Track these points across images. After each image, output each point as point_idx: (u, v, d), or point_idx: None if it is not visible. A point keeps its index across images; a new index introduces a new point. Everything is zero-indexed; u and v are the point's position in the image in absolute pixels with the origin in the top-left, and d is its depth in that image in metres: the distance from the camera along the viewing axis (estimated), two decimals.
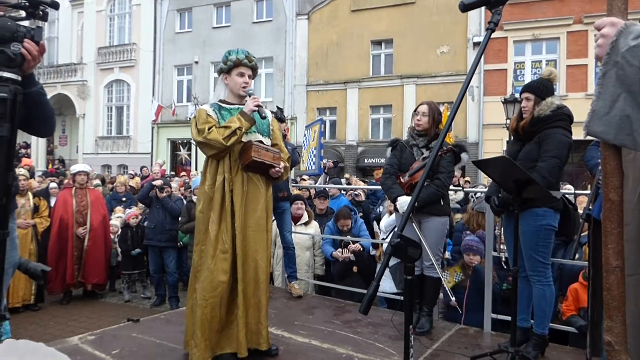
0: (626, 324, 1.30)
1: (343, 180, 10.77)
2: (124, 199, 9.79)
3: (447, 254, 5.24)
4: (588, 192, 3.66)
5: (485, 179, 11.31)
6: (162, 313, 4.74)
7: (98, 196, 7.76)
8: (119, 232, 7.86)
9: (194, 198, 7.51)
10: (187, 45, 22.91)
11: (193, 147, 19.63)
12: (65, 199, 7.22)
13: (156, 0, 23.65)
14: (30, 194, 7.03)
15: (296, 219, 5.87)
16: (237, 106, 3.19)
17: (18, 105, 1.70)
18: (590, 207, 2.70)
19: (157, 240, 7.07)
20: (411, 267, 1.85)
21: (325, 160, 10.79)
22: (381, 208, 7.00)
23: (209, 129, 2.98)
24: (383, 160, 16.41)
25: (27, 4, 1.75)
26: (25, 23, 1.79)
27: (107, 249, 7.58)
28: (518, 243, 3.11)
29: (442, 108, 9.70)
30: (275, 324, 3.87)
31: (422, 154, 3.85)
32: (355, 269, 5.48)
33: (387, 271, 4.67)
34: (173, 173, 18.75)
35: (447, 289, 3.86)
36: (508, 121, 12.28)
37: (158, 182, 7.25)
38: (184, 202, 7.51)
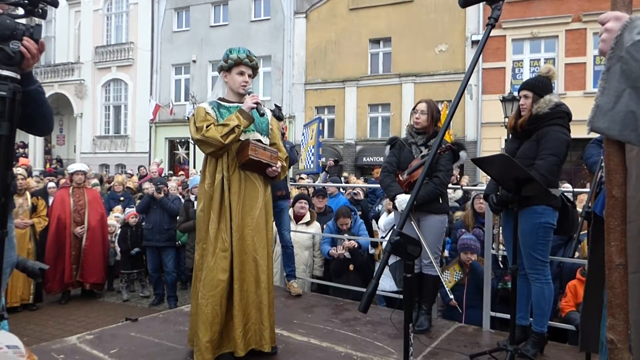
0: (629, 322, 1.29)
1: (342, 179, 10.76)
2: (121, 198, 9.77)
3: (446, 253, 5.25)
4: (587, 189, 3.66)
5: (483, 177, 11.31)
6: (160, 312, 4.73)
7: (95, 195, 7.75)
8: (119, 232, 7.85)
9: (192, 197, 7.52)
10: (185, 44, 22.87)
11: (191, 146, 19.58)
12: (63, 198, 7.20)
13: None
14: (28, 194, 7.01)
15: (298, 218, 5.87)
16: (236, 104, 3.18)
17: (17, 103, 1.69)
18: (590, 204, 2.69)
19: (156, 240, 7.06)
20: (411, 265, 1.85)
21: (323, 159, 10.78)
22: (380, 207, 7.00)
23: (207, 126, 2.97)
24: (381, 159, 16.37)
25: (26, 1, 1.73)
26: (24, 21, 1.77)
27: (105, 249, 7.57)
28: (517, 241, 3.11)
29: (441, 106, 9.73)
30: (274, 322, 3.86)
31: (421, 152, 3.84)
32: (351, 267, 5.47)
33: (385, 269, 4.67)
34: (171, 172, 18.72)
35: (446, 289, 3.86)
36: (506, 120, 12.29)
37: (154, 192, 7.15)
38: (182, 201, 7.51)
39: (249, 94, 3.14)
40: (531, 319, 3.35)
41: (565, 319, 3.95)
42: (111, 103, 25.25)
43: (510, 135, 3.58)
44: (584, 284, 3.29)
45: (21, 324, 6.06)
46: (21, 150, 23.36)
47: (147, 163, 18.92)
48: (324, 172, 10.35)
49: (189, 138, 16.31)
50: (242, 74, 3.16)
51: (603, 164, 1.90)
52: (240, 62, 3.14)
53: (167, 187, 7.52)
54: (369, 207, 7.73)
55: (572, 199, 3.47)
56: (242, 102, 3.16)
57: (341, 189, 8.21)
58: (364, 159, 18.98)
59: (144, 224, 7.40)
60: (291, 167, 4.85)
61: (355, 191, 7.89)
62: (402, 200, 3.69)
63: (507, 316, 3.44)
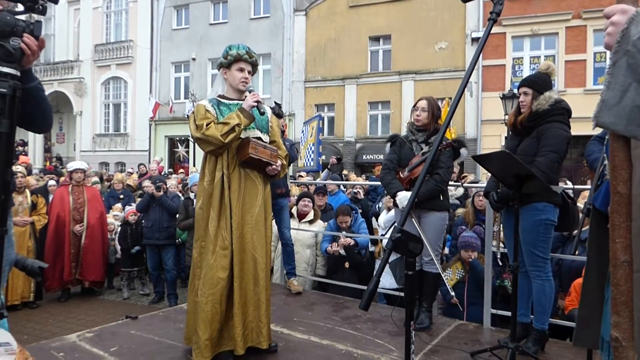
0: (634, 320, 1.28)
1: (342, 177, 10.74)
2: (121, 196, 9.77)
3: (446, 250, 5.24)
4: (588, 186, 3.65)
5: (484, 175, 11.30)
6: (160, 310, 4.73)
7: (95, 193, 7.74)
8: (119, 230, 7.85)
9: (192, 195, 7.52)
10: (184, 42, 22.82)
11: (191, 144, 19.57)
12: (62, 196, 7.20)
13: None
14: (27, 192, 7.01)
15: (302, 216, 5.86)
16: (236, 102, 3.16)
17: (17, 100, 1.68)
18: None
19: (156, 238, 7.06)
20: (412, 263, 1.84)
21: (324, 157, 10.74)
22: (380, 204, 6.99)
23: (207, 125, 2.96)
24: (381, 157, 16.33)
25: None
26: (23, 17, 1.76)
27: (105, 247, 7.57)
28: (518, 238, 3.10)
29: (442, 103, 9.71)
30: (274, 320, 3.85)
31: (422, 149, 3.83)
32: (346, 264, 5.47)
33: (386, 267, 4.67)
34: (171, 170, 18.71)
35: (447, 286, 3.85)
36: (506, 117, 12.27)
37: (153, 191, 7.15)
38: (181, 199, 7.50)
39: (249, 92, 3.13)
40: (532, 316, 3.35)
41: (568, 316, 3.94)
42: (111, 101, 25.21)
43: (510, 133, 3.57)
44: None
45: (21, 322, 6.06)
46: (21, 148, 23.33)
47: (147, 161, 18.94)
48: (327, 169, 10.32)
49: (188, 136, 16.28)
50: (241, 70, 3.15)
51: (606, 160, 1.89)
52: (240, 59, 3.12)
53: (166, 185, 7.52)
54: (369, 206, 7.71)
55: (572, 196, 3.46)
56: (242, 99, 3.15)
57: (341, 187, 8.20)
58: (364, 157, 18.97)
59: (143, 221, 7.40)
60: (291, 164, 4.84)
61: (355, 190, 7.86)
62: (403, 197, 3.69)
63: (508, 313, 3.43)
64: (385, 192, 4.57)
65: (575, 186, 4.62)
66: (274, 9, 21.03)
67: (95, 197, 7.62)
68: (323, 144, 12.32)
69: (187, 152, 22.58)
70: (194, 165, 16.89)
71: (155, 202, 7.09)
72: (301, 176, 9.76)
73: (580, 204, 3.94)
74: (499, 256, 4.32)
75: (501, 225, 3.72)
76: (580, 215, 3.34)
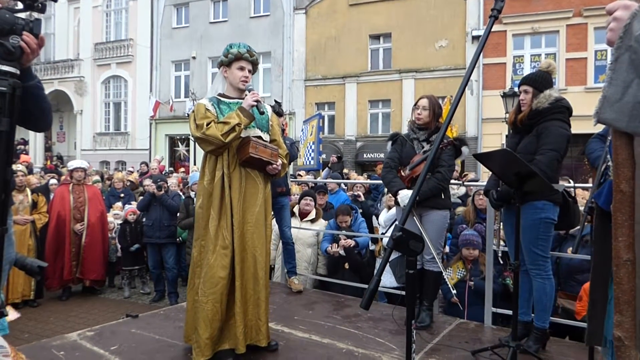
0: (637, 320, 1.27)
1: (343, 176, 10.73)
2: (122, 195, 9.78)
3: (447, 249, 5.24)
4: (589, 185, 3.64)
5: (484, 174, 11.29)
6: (161, 309, 4.73)
7: (95, 192, 7.74)
8: (118, 228, 7.85)
9: (192, 194, 7.52)
10: (184, 40, 22.79)
11: (191, 143, 19.54)
12: (63, 195, 7.21)
13: None
14: (28, 190, 7.01)
15: (304, 215, 5.85)
16: (236, 100, 3.16)
17: (17, 99, 1.67)
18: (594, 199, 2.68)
19: (157, 237, 7.07)
20: (413, 261, 1.84)
21: (324, 156, 10.73)
22: (380, 203, 6.98)
23: (207, 124, 2.95)
24: (382, 155, 16.36)
25: None
26: (23, 15, 1.76)
27: (105, 245, 7.58)
28: (519, 237, 3.09)
29: (444, 101, 9.69)
30: (275, 319, 3.86)
31: (423, 147, 3.83)
32: (346, 265, 5.46)
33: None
34: (172, 169, 18.70)
35: (449, 285, 3.85)
36: (507, 115, 12.26)
37: (154, 190, 7.17)
38: (182, 197, 7.50)
39: (249, 91, 3.12)
40: (533, 314, 3.34)
41: (583, 321, 3.93)
42: (111, 100, 25.18)
43: (511, 131, 3.56)
44: None
45: (22, 320, 6.05)
46: (22, 147, 23.32)
47: (147, 160, 18.92)
48: (328, 168, 10.32)
49: (189, 135, 16.26)
50: (242, 69, 3.14)
51: (608, 157, 1.87)
52: (241, 57, 3.12)
53: (167, 183, 7.52)
54: (369, 206, 7.68)
55: (573, 194, 3.46)
56: (242, 98, 3.14)
57: (342, 185, 8.19)
58: (365, 156, 18.95)
59: (144, 220, 7.40)
60: (291, 163, 4.83)
61: (356, 193, 7.81)
62: (405, 195, 3.68)
63: (509, 312, 3.43)
64: (387, 190, 4.56)
65: (577, 184, 4.60)
66: (274, 8, 21.00)
67: (96, 196, 7.62)
68: (323, 142, 12.31)
69: (188, 151, 22.57)
70: (195, 164, 16.87)
71: (156, 201, 7.10)
72: (300, 175, 9.75)
73: (580, 203, 3.93)
74: (499, 254, 4.31)
75: (501, 223, 3.72)
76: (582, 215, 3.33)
